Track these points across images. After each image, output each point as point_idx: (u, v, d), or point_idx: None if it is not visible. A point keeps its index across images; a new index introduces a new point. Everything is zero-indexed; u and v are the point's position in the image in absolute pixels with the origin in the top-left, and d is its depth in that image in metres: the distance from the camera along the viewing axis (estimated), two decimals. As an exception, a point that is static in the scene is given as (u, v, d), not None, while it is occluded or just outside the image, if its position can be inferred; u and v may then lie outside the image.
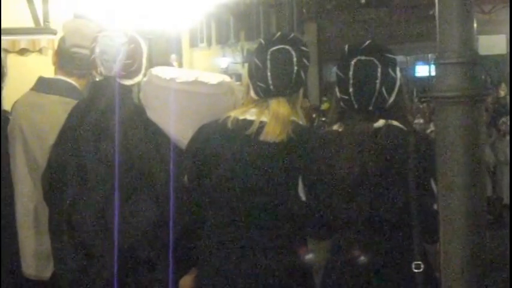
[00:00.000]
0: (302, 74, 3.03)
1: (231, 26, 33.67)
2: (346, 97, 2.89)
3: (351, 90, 2.87)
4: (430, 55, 25.86)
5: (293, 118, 3.02)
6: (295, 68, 3.00)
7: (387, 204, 2.81)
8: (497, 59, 23.55)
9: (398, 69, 2.93)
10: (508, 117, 13.43)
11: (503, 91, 17.98)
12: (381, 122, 2.87)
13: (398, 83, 2.91)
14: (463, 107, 2.00)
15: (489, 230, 9.07)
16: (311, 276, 3.10)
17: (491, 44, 23.55)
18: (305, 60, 3.04)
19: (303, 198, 2.95)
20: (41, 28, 9.18)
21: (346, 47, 2.95)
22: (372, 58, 2.88)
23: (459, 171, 2.02)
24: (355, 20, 26.89)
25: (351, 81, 2.87)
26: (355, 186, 2.83)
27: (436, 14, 2.06)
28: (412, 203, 2.75)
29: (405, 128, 2.88)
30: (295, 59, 3.00)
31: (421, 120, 13.26)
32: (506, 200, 12.34)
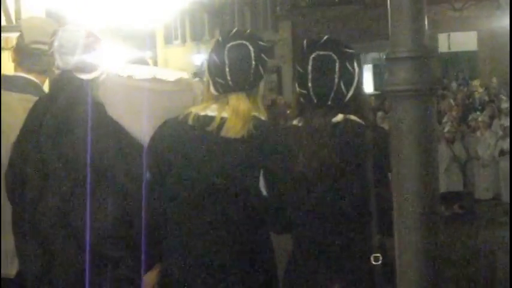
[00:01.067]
0: (260, 68, 3.04)
1: (206, 23, 33.67)
2: (305, 92, 2.91)
3: (309, 85, 2.89)
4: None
5: (254, 113, 3.03)
6: (253, 63, 3.01)
7: (345, 198, 2.84)
8: (469, 55, 23.73)
9: (356, 64, 2.95)
10: (478, 113, 13.57)
11: (478, 87, 18.16)
12: (339, 117, 2.90)
13: (356, 78, 2.93)
14: (414, 100, 2.01)
15: (460, 225, 9.19)
16: (274, 270, 3.12)
17: (462, 41, 23.74)
18: (263, 55, 3.05)
19: (264, 193, 2.96)
20: (13, 26, 9.10)
21: (305, 42, 2.97)
22: (330, 53, 2.90)
23: (412, 164, 2.03)
24: (329, 17, 26.95)
25: (310, 76, 2.89)
26: (314, 181, 2.86)
27: (388, 9, 2.08)
28: (370, 196, 2.78)
29: (363, 122, 2.91)
30: (253, 54, 3.01)
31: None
32: (477, 195, 12.47)
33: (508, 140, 12.16)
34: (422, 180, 2.03)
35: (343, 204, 2.84)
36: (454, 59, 23.59)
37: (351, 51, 2.95)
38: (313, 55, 2.91)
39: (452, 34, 23.72)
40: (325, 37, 2.95)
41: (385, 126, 12.55)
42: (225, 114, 3.00)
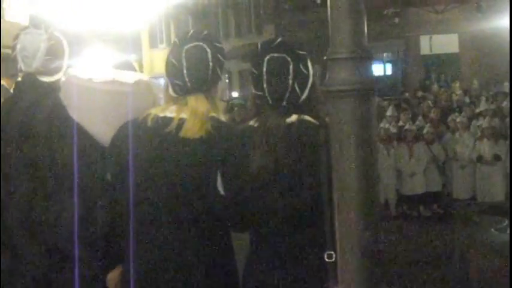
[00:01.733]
0: (218, 70, 3.10)
1: (190, 27, 33.67)
2: (261, 93, 2.97)
3: (265, 86, 2.96)
4: (385, 54, 26.12)
5: (212, 114, 3.08)
6: (211, 64, 3.07)
7: (300, 197, 2.89)
8: (450, 57, 23.84)
9: (310, 65, 3.01)
10: (457, 114, 13.64)
11: (457, 89, 18.24)
12: (294, 117, 2.95)
13: (311, 79, 3.00)
14: (354, 100, 2.08)
15: (438, 225, 9.22)
16: (234, 269, 3.16)
17: (444, 43, 23.85)
18: (220, 56, 3.10)
19: (222, 192, 3.00)
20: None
21: (259, 44, 3.03)
22: (284, 55, 2.97)
23: (352, 163, 2.09)
24: (312, 19, 26.97)
25: (265, 78, 2.95)
26: (269, 180, 2.91)
27: (328, 11, 2.13)
28: (323, 195, 2.83)
29: (317, 123, 2.96)
30: (210, 56, 3.07)
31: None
32: (455, 195, 12.53)
33: (486, 143, 12.25)
34: (362, 177, 2.09)
35: (297, 203, 2.89)
36: (435, 61, 23.69)
37: (303, 53, 3.01)
38: (267, 57, 2.98)
39: (434, 36, 23.82)
40: (279, 39, 3.02)
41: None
42: (183, 115, 3.05)
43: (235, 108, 13.64)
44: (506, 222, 7.29)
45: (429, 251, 9.51)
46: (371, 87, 2.10)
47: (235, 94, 29.01)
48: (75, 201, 3.18)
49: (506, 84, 17.70)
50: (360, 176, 2.09)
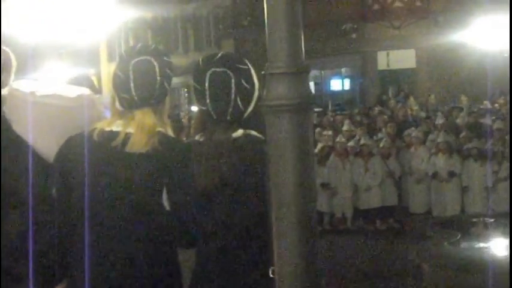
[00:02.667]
0: (166, 84, 3.08)
1: (149, 40, 33.56)
2: (205, 108, 2.97)
3: (208, 101, 2.96)
4: (343, 69, 26.30)
5: (159, 129, 3.06)
6: (158, 78, 3.05)
7: (246, 212, 2.89)
8: (407, 73, 24.06)
9: (256, 80, 3.01)
10: (413, 128, 13.78)
11: (413, 104, 18.43)
12: (239, 132, 2.96)
13: (256, 94, 3.00)
14: (291, 115, 2.09)
15: (394, 239, 9.32)
16: (180, 284, 3.15)
17: (401, 58, 24.08)
18: (168, 71, 3.09)
19: (167, 208, 2.99)
20: None
21: (200, 59, 3.03)
22: (225, 69, 2.97)
23: (289, 176, 2.11)
24: (271, 35, 27.05)
25: (207, 93, 2.95)
26: (215, 195, 2.91)
27: (266, 27, 2.14)
28: (269, 210, 2.83)
29: (263, 138, 2.96)
30: (157, 70, 3.05)
31: (330, 132, 13.47)
32: (412, 209, 12.66)
33: (441, 157, 12.40)
34: (299, 191, 2.10)
35: (243, 218, 2.90)
36: (393, 77, 23.90)
37: (245, 67, 3.01)
38: (209, 72, 2.98)
39: (391, 52, 24.04)
40: (220, 54, 3.02)
41: (323, 142, 12.72)
42: (130, 130, 3.03)
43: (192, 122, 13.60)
44: (459, 236, 7.39)
45: (384, 265, 9.57)
46: (308, 102, 2.11)
47: (194, 108, 28.96)
48: (18, 217, 3.14)
49: (463, 98, 17.97)
50: (298, 190, 2.10)
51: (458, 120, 14.52)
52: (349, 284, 8.80)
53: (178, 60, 24.71)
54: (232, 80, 2.96)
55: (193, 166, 2.95)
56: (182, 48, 30.48)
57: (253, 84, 3.00)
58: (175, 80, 3.82)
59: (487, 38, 17.07)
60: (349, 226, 12.48)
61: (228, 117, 2.96)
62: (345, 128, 13.77)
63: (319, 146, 12.66)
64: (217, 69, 2.97)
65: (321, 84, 26.25)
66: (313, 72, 25.10)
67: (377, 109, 17.67)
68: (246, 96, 2.97)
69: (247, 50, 26.52)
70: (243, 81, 2.96)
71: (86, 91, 3.26)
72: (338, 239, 11.40)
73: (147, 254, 3.00)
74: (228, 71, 2.97)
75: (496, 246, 6.59)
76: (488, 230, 7.44)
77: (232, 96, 2.95)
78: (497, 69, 17.78)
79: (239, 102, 2.95)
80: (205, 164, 2.92)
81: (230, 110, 2.95)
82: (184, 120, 19.50)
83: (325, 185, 12.29)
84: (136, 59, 3.06)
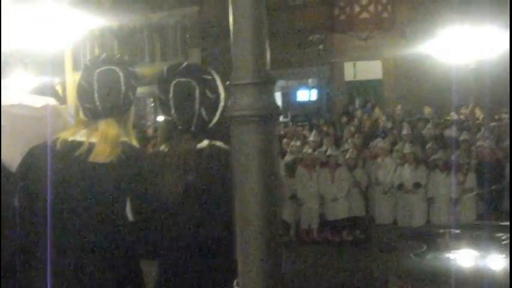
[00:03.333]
0: (130, 94, 3.06)
1: (115, 50, 33.40)
2: (170, 118, 2.95)
3: (172, 112, 2.94)
4: (310, 80, 26.36)
5: (124, 139, 3.04)
6: (123, 88, 3.03)
7: (210, 223, 2.87)
8: (374, 83, 24.19)
9: (221, 90, 3.00)
10: (380, 139, 13.87)
11: (380, 115, 18.53)
12: (205, 143, 2.94)
13: (221, 104, 2.98)
14: (256, 125, 2.07)
15: (360, 250, 9.35)
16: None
17: (367, 69, 24.21)
18: (133, 81, 3.07)
19: (131, 218, 2.96)
20: None
21: (165, 69, 3.01)
22: (190, 80, 2.95)
23: (254, 186, 2.09)
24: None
25: (172, 103, 2.93)
26: (179, 206, 2.88)
27: (231, 37, 2.13)
28: (233, 221, 2.81)
29: (228, 148, 2.94)
30: (122, 80, 3.03)
31: (298, 143, 13.51)
32: (378, 220, 12.72)
33: (407, 168, 12.49)
34: (264, 202, 2.08)
35: (207, 229, 2.87)
36: (359, 88, 24.00)
37: (210, 77, 2.99)
38: (174, 82, 2.96)
39: (357, 63, 24.14)
40: (185, 64, 3.00)
41: (293, 154, 12.74)
42: (93, 140, 3.00)
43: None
44: (425, 247, 7.42)
45: (350, 276, 9.59)
46: (273, 112, 2.10)
47: (160, 118, 28.90)
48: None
49: (426, 110, 18.09)
50: (262, 200, 2.08)
51: (424, 131, 14.62)
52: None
53: (145, 69, 24.57)
54: (197, 91, 2.94)
55: (157, 176, 2.92)
56: (148, 58, 30.34)
57: (218, 95, 2.98)
58: (141, 90, 3.79)
59: (453, 49, 17.21)
60: (315, 237, 12.49)
61: (193, 128, 2.94)
62: (311, 138, 13.80)
63: (289, 157, 12.68)
64: (182, 80, 2.96)
65: (288, 94, 26.30)
66: (280, 83, 25.14)
67: (344, 119, 17.75)
68: (211, 107, 2.96)
69: (214, 59, 26.54)
70: (207, 92, 2.94)
71: (51, 101, 3.22)
72: (304, 251, 11.41)
73: (110, 264, 2.97)
74: (193, 81, 2.95)
75: (461, 257, 6.61)
76: (454, 241, 7.47)
77: (197, 106, 2.93)
78: (464, 80, 17.93)
79: (203, 113, 2.93)
80: (170, 174, 2.90)
81: (195, 120, 2.93)
82: (150, 131, 19.41)
83: (292, 197, 12.31)
84: (100, 69, 3.04)
